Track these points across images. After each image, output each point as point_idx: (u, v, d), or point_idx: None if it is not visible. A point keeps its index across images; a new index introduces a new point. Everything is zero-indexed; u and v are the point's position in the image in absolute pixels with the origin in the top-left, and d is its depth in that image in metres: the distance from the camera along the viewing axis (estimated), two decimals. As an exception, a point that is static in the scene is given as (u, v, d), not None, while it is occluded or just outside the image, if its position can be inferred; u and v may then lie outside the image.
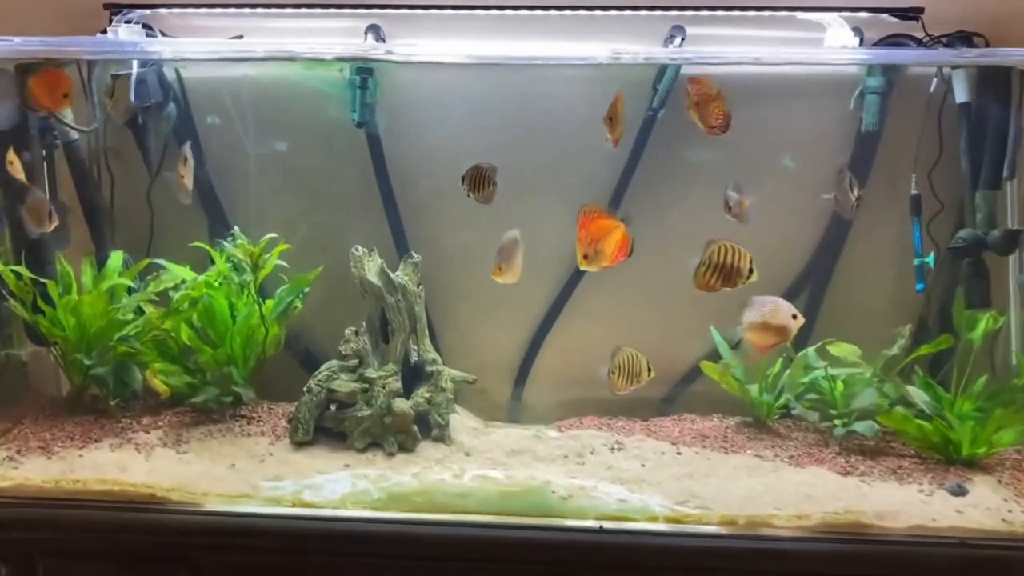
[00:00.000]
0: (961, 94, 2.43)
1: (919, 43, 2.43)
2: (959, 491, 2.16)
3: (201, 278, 2.50)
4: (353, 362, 2.46)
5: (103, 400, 2.52)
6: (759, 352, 2.16)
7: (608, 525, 2.06)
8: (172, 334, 2.50)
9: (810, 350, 2.48)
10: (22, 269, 2.44)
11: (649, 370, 2.17)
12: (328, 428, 2.42)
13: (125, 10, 2.50)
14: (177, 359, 2.53)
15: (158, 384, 2.45)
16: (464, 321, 2.71)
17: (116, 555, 2.09)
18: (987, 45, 2.43)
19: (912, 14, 2.40)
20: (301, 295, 2.58)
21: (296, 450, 2.37)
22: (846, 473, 2.26)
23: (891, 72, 2.48)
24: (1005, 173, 2.38)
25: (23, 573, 2.10)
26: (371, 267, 2.48)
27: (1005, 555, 2.00)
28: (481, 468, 2.30)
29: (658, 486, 2.20)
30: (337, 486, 2.18)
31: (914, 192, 2.50)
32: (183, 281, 2.51)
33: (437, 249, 2.64)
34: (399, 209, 2.67)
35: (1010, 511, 2.08)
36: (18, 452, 2.27)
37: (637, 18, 2.46)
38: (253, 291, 2.51)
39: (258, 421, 2.51)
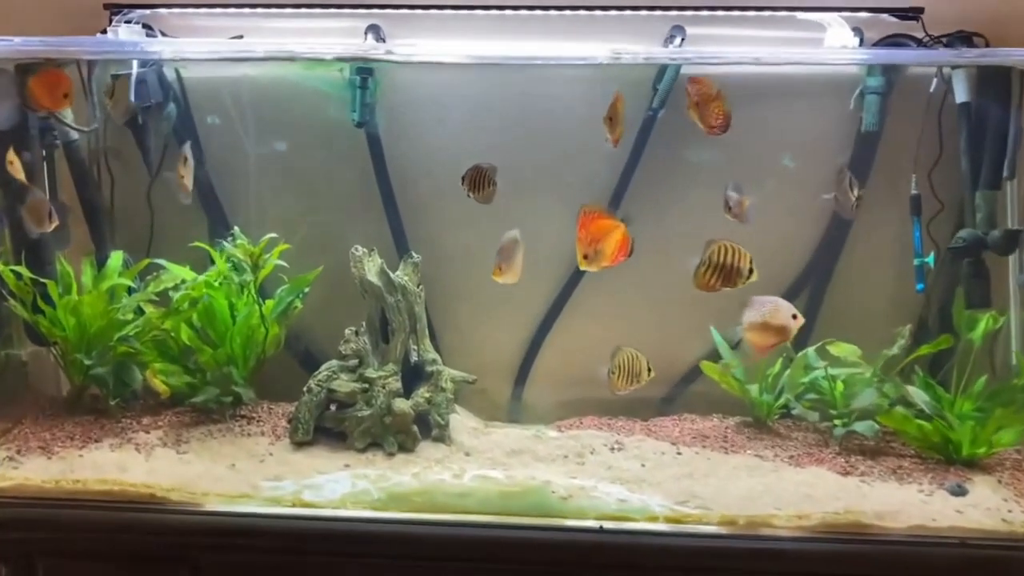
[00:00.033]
0: (961, 94, 2.43)
1: (919, 43, 2.43)
2: (959, 491, 2.16)
3: (201, 278, 2.50)
4: (353, 362, 2.46)
5: (103, 400, 2.52)
6: (759, 352, 2.15)
7: (608, 525, 2.06)
8: (172, 334, 2.50)
9: (810, 350, 2.48)
10: (22, 269, 2.44)
11: (649, 370, 2.17)
12: (328, 428, 2.42)
13: (125, 10, 2.50)
14: (177, 359, 2.53)
15: (158, 384, 2.45)
16: (464, 321, 2.71)
17: (116, 555, 2.09)
18: (987, 45, 2.43)
19: (912, 14, 2.40)
20: (301, 295, 2.58)
21: (296, 450, 2.37)
22: (846, 473, 2.26)
23: (891, 72, 2.48)
24: (1005, 173, 2.38)
25: (23, 573, 2.10)
26: (371, 267, 2.48)
27: (1005, 555, 2.00)
28: (481, 468, 2.30)
29: (658, 486, 2.20)
30: (337, 486, 2.18)
31: (914, 192, 2.50)
32: (183, 281, 2.51)
33: (437, 249, 2.64)
34: (399, 209, 2.67)
35: (1010, 511, 2.08)
36: (18, 452, 2.27)
37: (637, 18, 2.46)
38: (253, 291, 2.51)
39: (258, 421, 2.51)
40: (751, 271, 2.07)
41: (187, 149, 2.41)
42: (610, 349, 2.21)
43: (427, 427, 2.43)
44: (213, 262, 2.53)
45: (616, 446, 2.42)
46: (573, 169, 2.61)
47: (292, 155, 2.67)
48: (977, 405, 2.34)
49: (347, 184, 2.69)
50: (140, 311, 2.52)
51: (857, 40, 2.42)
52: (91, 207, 2.65)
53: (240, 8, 2.50)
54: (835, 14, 2.41)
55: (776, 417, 2.56)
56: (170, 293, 2.51)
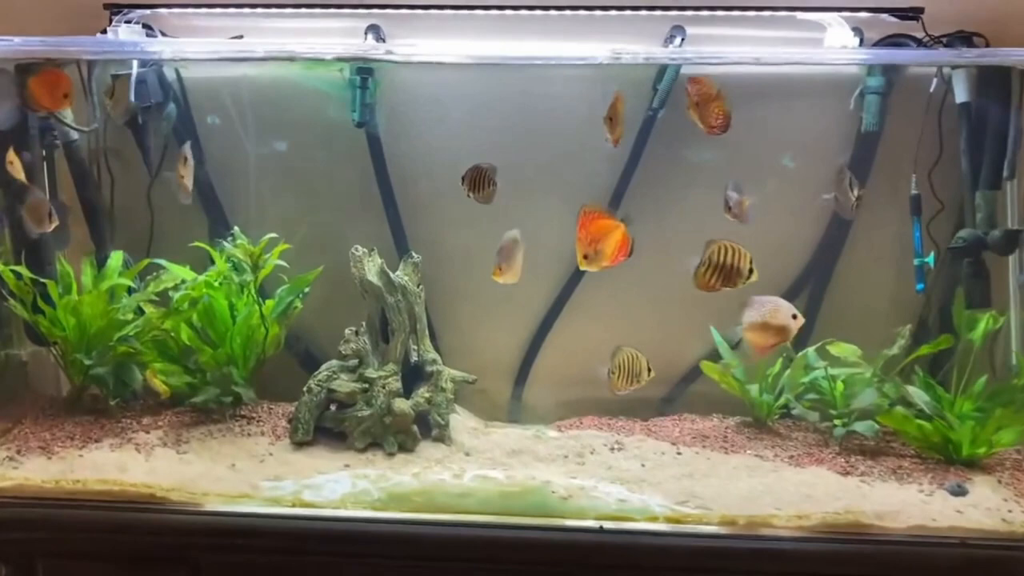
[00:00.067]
0: (961, 94, 2.43)
1: (919, 43, 2.42)
2: (959, 491, 2.15)
3: (201, 278, 2.50)
4: (353, 362, 2.46)
5: (103, 400, 2.52)
6: (759, 352, 2.15)
7: (608, 525, 2.06)
8: (172, 334, 2.50)
9: (810, 350, 2.48)
10: (22, 269, 2.44)
11: (649, 370, 2.17)
12: (328, 428, 2.42)
13: (125, 10, 2.50)
14: (177, 359, 2.53)
15: (158, 384, 2.44)
16: (464, 321, 2.71)
17: (116, 555, 2.09)
18: (987, 45, 2.42)
19: (912, 14, 2.40)
20: (301, 295, 2.58)
21: (296, 450, 2.37)
22: (846, 473, 2.26)
23: (891, 72, 2.48)
24: (1005, 173, 2.38)
25: (23, 573, 2.10)
26: (371, 267, 2.48)
27: (1005, 555, 2.00)
28: (481, 468, 2.30)
29: (658, 486, 2.20)
30: (337, 486, 2.18)
31: (914, 192, 2.50)
32: (183, 281, 2.51)
33: (437, 249, 2.64)
34: (399, 209, 2.67)
35: (1010, 511, 2.08)
36: (18, 452, 2.27)
37: (637, 18, 2.45)
38: (253, 291, 2.51)
39: (258, 421, 2.51)
40: (751, 271, 2.07)
41: (187, 149, 2.41)
42: (610, 349, 2.20)
43: (427, 427, 2.43)
44: (213, 262, 2.53)
45: (616, 446, 2.42)
46: (573, 169, 2.61)
47: (292, 155, 2.67)
48: (977, 405, 2.34)
49: (347, 184, 2.69)
50: (140, 311, 2.52)
51: (857, 40, 2.42)
52: (91, 207, 2.65)
53: (240, 8, 2.50)
54: (835, 14, 2.41)
55: (776, 417, 2.56)
56: (170, 293, 2.51)
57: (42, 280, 2.46)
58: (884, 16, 2.41)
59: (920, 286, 2.49)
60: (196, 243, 2.56)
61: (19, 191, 2.42)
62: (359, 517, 2.09)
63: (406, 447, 2.37)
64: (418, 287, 2.52)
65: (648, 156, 2.59)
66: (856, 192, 2.25)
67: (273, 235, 2.51)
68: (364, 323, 2.49)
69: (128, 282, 2.55)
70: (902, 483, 2.21)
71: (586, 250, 2.12)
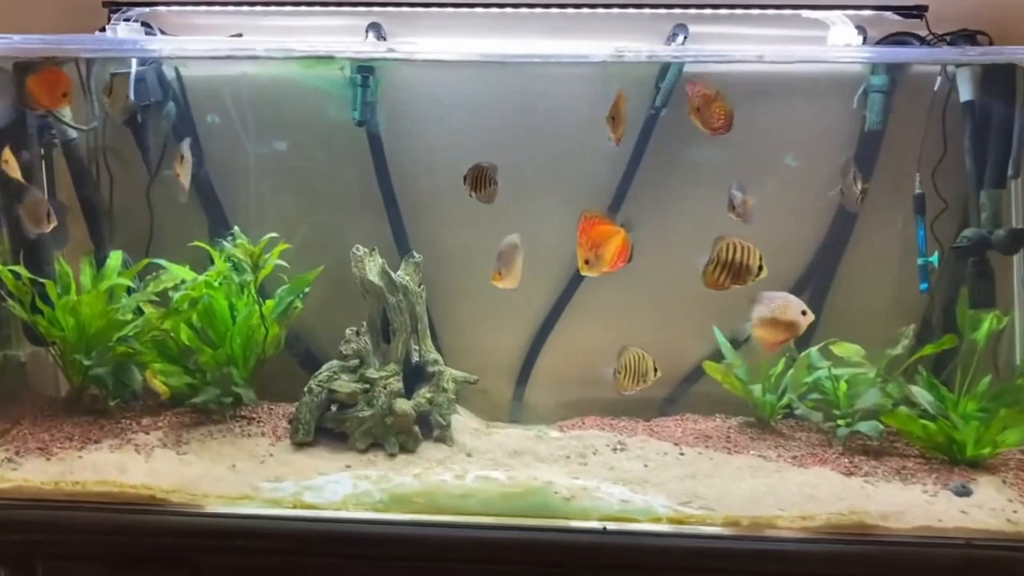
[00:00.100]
0: (965, 92, 2.42)
1: (923, 41, 2.42)
2: (963, 491, 2.15)
3: (201, 278, 2.49)
4: (354, 362, 2.45)
5: (102, 401, 2.51)
6: (768, 348, 2.14)
7: (611, 526, 2.04)
8: (172, 334, 2.49)
9: (813, 350, 2.47)
10: (20, 269, 2.43)
11: (655, 370, 2.17)
12: (329, 429, 2.41)
13: (124, 8, 2.49)
14: (177, 359, 2.52)
15: (158, 385, 2.43)
16: (465, 321, 2.70)
17: (116, 557, 2.08)
18: (991, 43, 2.42)
19: (916, 12, 2.39)
20: (301, 295, 2.57)
21: (297, 451, 2.35)
22: (850, 473, 2.25)
23: (895, 70, 2.47)
24: (1010, 172, 2.37)
25: (22, 575, 2.08)
26: (372, 267, 2.47)
27: (1011, 556, 1.99)
28: (483, 469, 2.29)
29: (661, 487, 2.19)
30: (338, 487, 2.17)
31: (918, 191, 2.49)
32: (183, 281, 2.50)
33: (438, 249, 2.63)
34: (400, 208, 2.66)
35: (1015, 511, 2.07)
36: (17, 453, 2.26)
37: (640, 16, 2.45)
38: (253, 291, 2.50)
39: (258, 422, 2.50)
40: (760, 268, 2.06)
41: (185, 147, 2.40)
42: (612, 349, 2.20)
43: (428, 428, 2.42)
44: (213, 262, 2.52)
45: (619, 446, 2.41)
46: (575, 168, 2.60)
47: (292, 154, 2.66)
48: (981, 405, 2.33)
49: (348, 183, 2.68)
50: (139, 311, 2.51)
51: (861, 38, 2.41)
52: (90, 206, 2.64)
53: (239, 6, 2.48)
54: (839, 12, 2.40)
55: (779, 417, 2.55)
56: (170, 293, 2.50)
57: (41, 280, 2.45)
58: (888, 14, 2.41)
59: (924, 286, 2.48)
60: (196, 243, 2.55)
61: (17, 190, 2.40)
62: (360, 518, 2.07)
63: (407, 448, 2.36)
64: (419, 287, 2.51)
65: (650, 155, 2.58)
66: (860, 185, 2.24)
67: (273, 235, 2.50)
68: (365, 323, 2.48)
69: (127, 282, 2.54)
70: (906, 483, 2.20)
71: (587, 255, 2.12)
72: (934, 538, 2.00)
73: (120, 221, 2.69)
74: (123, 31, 2.47)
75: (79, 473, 2.16)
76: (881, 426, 2.35)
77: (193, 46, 2.58)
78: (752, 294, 2.13)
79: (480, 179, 2.23)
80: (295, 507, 2.09)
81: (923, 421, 2.29)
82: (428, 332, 2.54)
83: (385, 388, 2.40)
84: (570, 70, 2.55)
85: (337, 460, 2.31)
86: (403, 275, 2.49)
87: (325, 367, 2.46)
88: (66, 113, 2.54)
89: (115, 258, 2.57)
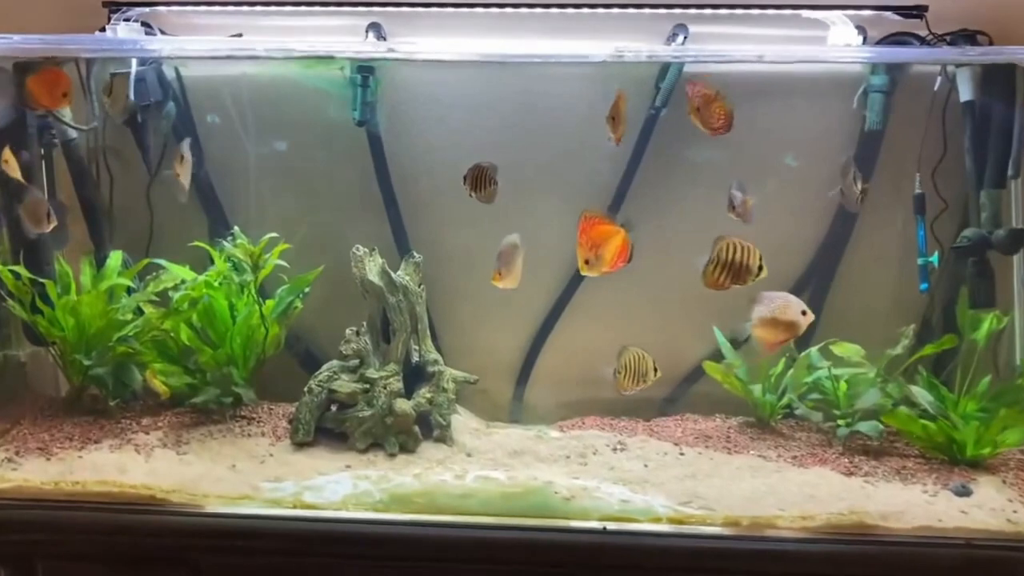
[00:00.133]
0: (965, 92, 2.42)
1: (923, 41, 2.41)
2: (963, 491, 2.15)
3: (201, 278, 2.48)
4: (354, 362, 2.45)
5: (102, 401, 2.51)
6: (768, 348, 2.14)
7: (611, 526, 2.04)
8: (172, 334, 2.49)
9: (813, 350, 2.47)
10: (20, 269, 2.42)
11: (655, 370, 2.16)
12: (329, 429, 2.41)
13: (124, 8, 2.49)
14: (177, 359, 2.52)
15: (158, 385, 2.43)
16: (465, 321, 2.70)
17: (116, 557, 2.08)
18: (991, 43, 2.41)
19: (916, 12, 2.39)
20: (301, 295, 2.56)
21: (297, 451, 2.35)
22: (850, 473, 2.25)
23: (895, 70, 2.47)
24: (1010, 172, 2.37)
25: (22, 575, 2.08)
26: (372, 267, 2.47)
27: (1011, 556, 1.99)
28: (483, 469, 2.28)
29: (661, 487, 2.19)
30: (338, 487, 2.17)
31: (918, 191, 2.49)
32: (183, 281, 2.50)
33: (438, 249, 2.63)
34: (400, 208, 2.66)
35: (1015, 511, 2.07)
36: (17, 453, 2.26)
37: (640, 16, 2.44)
38: (253, 291, 2.50)
39: (258, 422, 2.50)
40: (760, 268, 2.06)
41: (185, 147, 2.40)
42: (612, 349, 2.20)
43: (428, 428, 2.42)
44: (213, 262, 2.52)
45: (619, 446, 2.41)
46: (575, 168, 2.60)
47: (292, 154, 2.66)
48: (981, 405, 2.33)
49: (348, 183, 2.68)
50: (139, 311, 2.51)
51: (861, 38, 2.40)
52: (90, 206, 2.64)
53: (239, 6, 2.48)
54: (839, 12, 2.40)
55: (779, 417, 2.55)
56: (170, 293, 2.49)
57: (41, 280, 2.45)
58: (888, 14, 2.40)
59: (924, 286, 2.48)
60: (196, 243, 2.54)
61: (17, 190, 2.40)
62: (360, 519, 2.07)
63: (407, 448, 2.36)
64: (419, 287, 2.51)
65: (650, 155, 2.58)
66: (860, 185, 2.24)
67: (273, 235, 2.50)
68: (365, 323, 2.48)
69: (127, 282, 2.54)
70: (906, 483, 2.20)
71: (587, 255, 2.12)
72: (934, 538, 2.00)
73: (120, 221, 2.68)
74: (123, 31, 2.47)
75: (79, 473, 2.16)
76: (881, 426, 2.35)
77: (193, 46, 2.58)
78: (752, 294, 2.13)
79: (480, 179, 2.22)
80: (295, 507, 2.09)
81: (923, 421, 2.29)
82: (428, 332, 2.54)
83: (385, 388, 2.39)
84: (570, 70, 2.55)
85: (337, 460, 2.31)
86: (403, 275, 2.49)
87: (325, 367, 2.46)
88: (66, 113, 2.54)
89: (115, 258, 2.57)
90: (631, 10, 2.42)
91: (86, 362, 2.46)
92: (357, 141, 2.62)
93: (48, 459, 2.23)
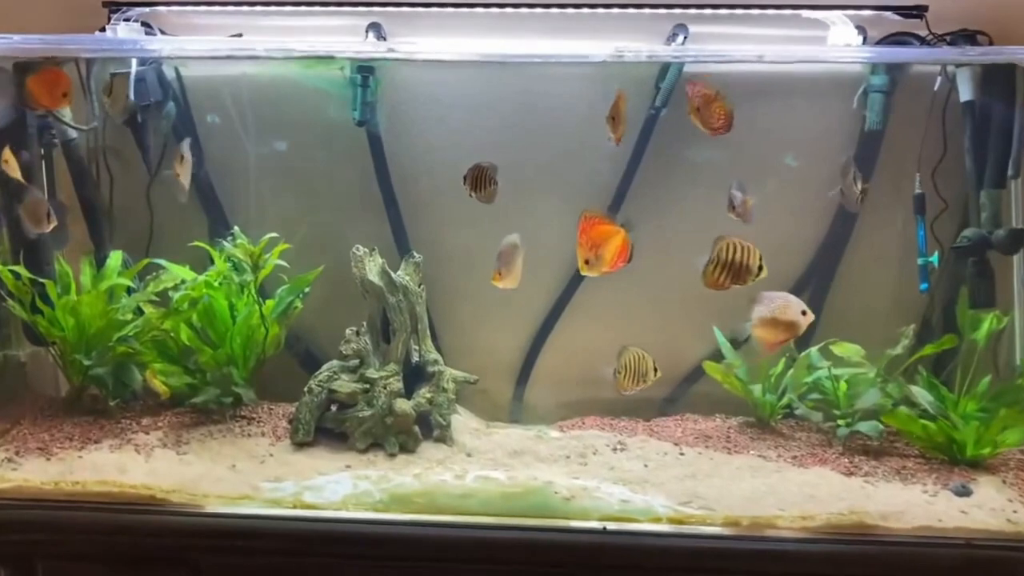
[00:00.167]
0: (965, 92, 2.42)
1: (923, 41, 2.41)
2: (963, 491, 2.15)
3: (201, 278, 2.48)
4: (354, 362, 2.45)
5: (102, 401, 2.51)
6: (768, 348, 2.14)
7: (611, 526, 2.04)
8: (172, 334, 2.49)
9: (813, 350, 2.47)
10: (20, 269, 2.42)
11: (656, 370, 2.16)
12: (329, 429, 2.41)
13: (124, 8, 2.49)
14: (177, 359, 2.52)
15: (158, 385, 2.43)
16: (465, 321, 2.69)
17: (116, 557, 2.08)
18: (991, 43, 2.41)
19: (916, 12, 2.38)
20: (301, 295, 2.56)
21: (297, 451, 2.35)
22: (850, 473, 2.25)
23: (895, 70, 2.47)
24: (1010, 172, 2.37)
25: (22, 575, 2.08)
26: (372, 267, 2.47)
27: (1011, 556, 1.99)
28: (483, 469, 2.28)
29: (661, 487, 2.19)
30: (338, 487, 2.17)
31: (918, 191, 2.49)
32: (183, 281, 2.50)
33: (438, 249, 2.63)
34: (400, 208, 2.66)
35: (1015, 511, 2.07)
36: (16, 453, 2.26)
37: (639, 16, 2.44)
38: (253, 291, 2.50)
39: (258, 422, 2.49)
40: (760, 268, 2.06)
41: (184, 147, 2.40)
42: (612, 349, 2.20)
43: (428, 428, 2.42)
44: (213, 262, 2.52)
45: (619, 446, 2.41)
46: (575, 168, 2.60)
47: (292, 154, 2.66)
48: (981, 405, 2.33)
49: (348, 183, 2.68)
50: (139, 311, 2.51)
51: (861, 38, 2.40)
52: (90, 206, 2.64)
53: (239, 6, 2.48)
54: (839, 12, 2.40)
55: (779, 417, 2.55)
56: (170, 293, 2.49)
57: (41, 280, 2.45)
58: (888, 14, 2.40)
59: (924, 286, 2.48)
60: (196, 243, 2.54)
61: (17, 190, 2.40)
62: (360, 519, 2.07)
63: (407, 448, 2.36)
64: (419, 287, 2.51)
65: (650, 155, 2.58)
66: (860, 185, 2.24)
67: (273, 235, 2.50)
68: (365, 323, 2.48)
69: (127, 282, 2.54)
70: (906, 483, 2.20)
71: (587, 255, 2.12)
72: (934, 538, 2.00)
73: (120, 221, 2.68)
74: (123, 31, 2.47)
75: (79, 473, 2.16)
76: (881, 426, 2.35)
77: (193, 46, 2.58)
78: (752, 294, 2.13)
79: (480, 179, 2.22)
80: (295, 507, 2.09)
81: (923, 421, 2.29)
82: (428, 332, 2.54)
83: (385, 388, 2.39)
84: (570, 70, 2.55)
85: (337, 460, 2.31)
86: (403, 275, 2.49)
87: (325, 367, 2.46)
88: (66, 113, 2.54)
89: (115, 258, 2.57)
90: (631, 10, 2.42)
91: (86, 362, 2.46)
92: (357, 141, 2.62)
93: (48, 459, 2.23)
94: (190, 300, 2.46)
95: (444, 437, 2.40)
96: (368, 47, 2.48)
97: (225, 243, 2.51)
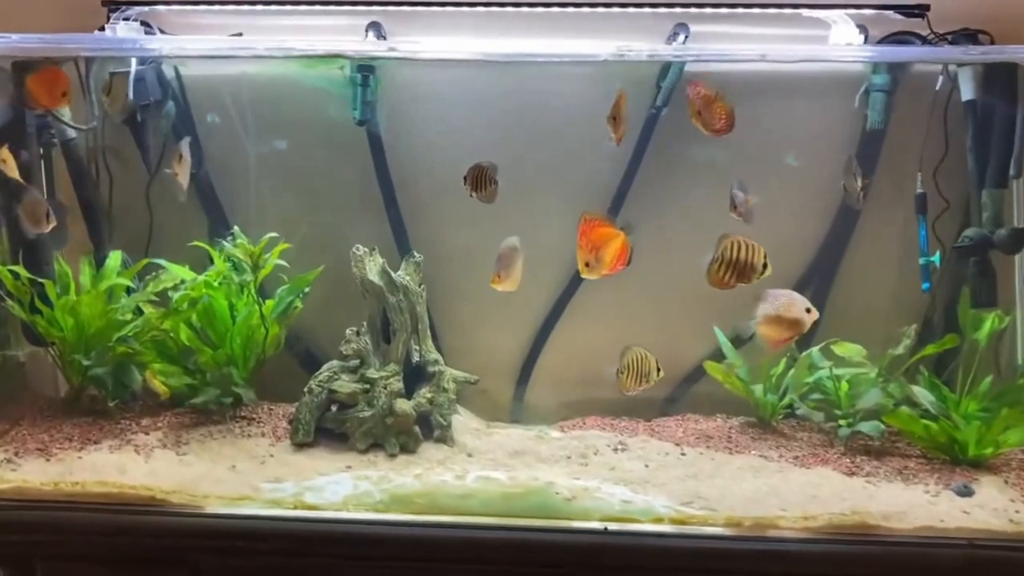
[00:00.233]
0: (967, 92, 2.42)
1: (924, 40, 2.41)
2: (965, 491, 2.14)
3: (201, 278, 2.48)
4: (354, 362, 2.45)
5: (102, 401, 2.50)
6: (772, 346, 2.14)
7: (612, 526, 2.04)
8: (171, 334, 2.49)
9: (814, 350, 2.47)
10: (20, 269, 2.42)
11: (658, 370, 2.16)
12: (329, 429, 2.40)
13: (123, 7, 2.48)
14: (177, 360, 2.51)
15: (158, 385, 2.43)
16: (466, 321, 2.69)
17: (115, 558, 2.08)
18: (992, 42, 2.41)
19: (917, 11, 2.38)
20: (301, 295, 2.56)
21: (297, 451, 2.35)
22: (851, 474, 2.25)
23: (896, 70, 2.47)
24: (1011, 171, 2.37)
25: (22, 576, 2.08)
26: (372, 267, 2.46)
27: (1013, 556, 1.99)
28: (483, 469, 2.28)
29: (662, 487, 2.19)
30: (339, 488, 2.16)
31: (920, 191, 2.48)
32: (182, 281, 2.49)
33: (438, 248, 2.62)
34: (400, 208, 2.65)
35: (1017, 511, 2.07)
36: (16, 454, 2.25)
37: (640, 15, 2.44)
38: (253, 291, 2.49)
39: (258, 422, 2.49)
40: (765, 266, 2.06)
41: (184, 146, 2.39)
42: (613, 349, 2.20)
43: (429, 428, 2.41)
44: (213, 262, 2.51)
45: (620, 446, 2.40)
46: (576, 167, 2.59)
47: (292, 154, 2.65)
48: (983, 405, 2.33)
49: (348, 183, 2.67)
50: (139, 311, 2.50)
51: (862, 37, 2.40)
52: (89, 206, 2.64)
53: (239, 5, 2.47)
54: (840, 11, 2.39)
55: (780, 417, 2.54)
56: (169, 293, 2.49)
57: (40, 280, 2.44)
58: (889, 13, 2.40)
59: (926, 285, 2.48)
60: (196, 243, 2.54)
61: (16, 190, 2.40)
62: (361, 519, 2.07)
63: (408, 448, 2.36)
64: (420, 287, 2.51)
65: (651, 155, 2.57)
66: (861, 182, 2.24)
67: (273, 235, 2.49)
68: (365, 323, 2.48)
69: (127, 282, 2.53)
70: (908, 484, 2.20)
71: (587, 258, 2.12)
72: (936, 538, 2.00)
73: (120, 221, 2.68)
74: (122, 30, 2.46)
75: (79, 474, 2.15)
76: (883, 426, 2.35)
77: (193, 45, 2.58)
78: (755, 292, 2.12)
79: (480, 179, 2.22)
80: (295, 508, 2.09)
81: (925, 421, 2.29)
82: (428, 332, 2.54)
83: (385, 388, 2.39)
84: (571, 69, 2.54)
85: (337, 461, 2.31)
86: (403, 275, 2.48)
87: (325, 367, 2.45)
88: (65, 112, 2.54)
89: (114, 258, 2.57)
90: (632, 9, 2.41)
91: (85, 362, 2.45)
92: (357, 141, 2.61)
93: (47, 460, 2.23)
94: (190, 300, 2.46)
95: (445, 437, 2.40)
96: (368, 46, 2.48)
97: (225, 243, 2.51)
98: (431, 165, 2.63)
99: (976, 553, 1.98)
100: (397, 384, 2.41)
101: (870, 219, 2.57)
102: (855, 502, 2.09)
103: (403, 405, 2.37)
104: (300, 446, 2.36)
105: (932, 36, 2.40)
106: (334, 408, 2.43)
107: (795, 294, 2.13)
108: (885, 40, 2.45)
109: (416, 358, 2.49)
